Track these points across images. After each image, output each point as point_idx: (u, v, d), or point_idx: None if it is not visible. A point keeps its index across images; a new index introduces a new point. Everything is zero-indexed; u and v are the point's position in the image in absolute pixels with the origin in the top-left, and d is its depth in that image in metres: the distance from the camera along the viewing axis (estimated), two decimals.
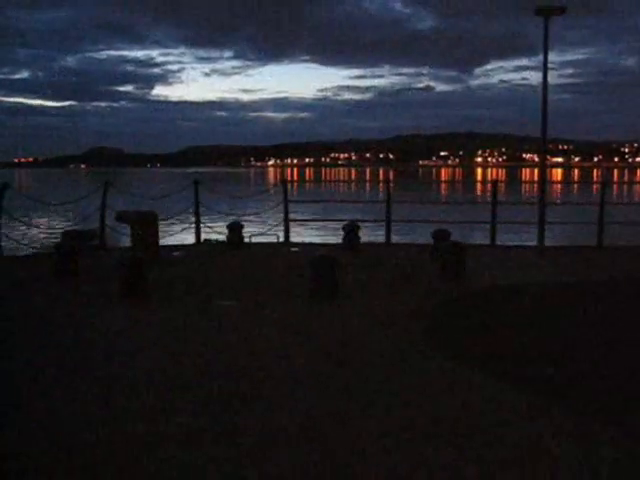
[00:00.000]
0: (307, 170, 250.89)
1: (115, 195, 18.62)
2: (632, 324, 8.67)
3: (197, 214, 18.16)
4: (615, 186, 65.46)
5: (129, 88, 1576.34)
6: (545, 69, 17.18)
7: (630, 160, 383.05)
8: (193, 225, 18.30)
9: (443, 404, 5.76)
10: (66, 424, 5.35)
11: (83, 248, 14.26)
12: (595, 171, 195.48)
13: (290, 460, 4.68)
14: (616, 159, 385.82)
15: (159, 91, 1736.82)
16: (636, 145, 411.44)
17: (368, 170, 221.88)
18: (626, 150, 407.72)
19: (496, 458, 4.70)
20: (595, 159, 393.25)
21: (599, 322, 8.74)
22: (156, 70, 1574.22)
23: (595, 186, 48.22)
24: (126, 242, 16.01)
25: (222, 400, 5.87)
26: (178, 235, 19.45)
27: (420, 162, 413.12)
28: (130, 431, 5.18)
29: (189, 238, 18.62)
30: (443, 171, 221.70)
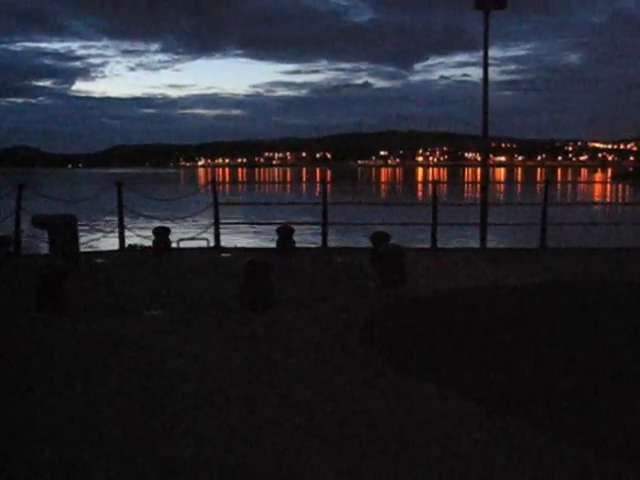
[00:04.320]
0: (240, 171, 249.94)
1: (31, 198, 18.24)
2: (572, 327, 8.84)
3: (121, 218, 17.88)
4: (559, 185, 67.01)
5: (47, 83, 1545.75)
6: (485, 64, 17.49)
7: (573, 159, 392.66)
8: (116, 230, 18.02)
9: (382, 412, 5.79)
10: None
11: None
12: (539, 170, 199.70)
13: None
14: (560, 158, 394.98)
15: (80, 86, 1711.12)
16: (579, 144, 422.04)
17: (304, 170, 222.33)
18: (569, 149, 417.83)
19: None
20: (539, 158, 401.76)
21: (542, 326, 8.89)
22: (77, 64, 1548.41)
23: (539, 186, 49.22)
24: (44, 249, 15.71)
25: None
26: (100, 241, 19.17)
27: (359, 162, 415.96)
28: None
29: (112, 244, 18.35)
30: (383, 171, 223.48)
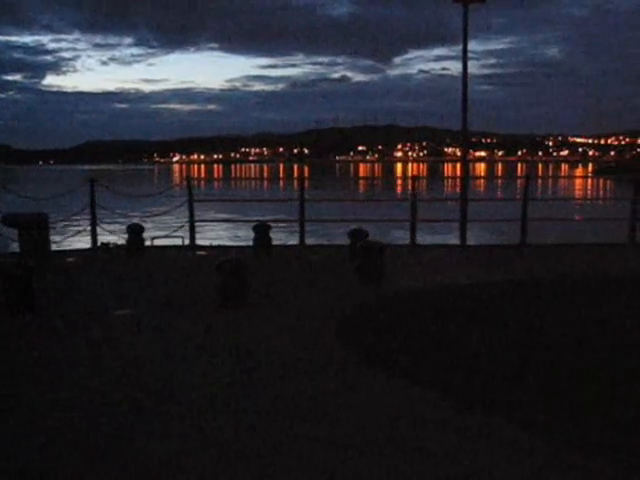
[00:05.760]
0: (215, 167, 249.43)
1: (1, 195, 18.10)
2: (553, 325, 8.88)
3: (93, 216, 17.73)
4: (539, 181, 67.41)
5: (17, 77, 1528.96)
6: (465, 58, 17.53)
7: (554, 154, 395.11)
8: (88, 228, 17.88)
9: (363, 413, 5.78)
10: None
11: None
12: (519, 165, 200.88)
13: None
14: (540, 153, 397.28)
15: (51, 81, 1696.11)
16: (560, 138, 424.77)
17: (281, 166, 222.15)
18: (550, 143, 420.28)
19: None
20: (519, 153, 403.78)
21: (519, 323, 8.92)
22: (47, 58, 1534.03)
23: (519, 181, 49.45)
24: (14, 248, 15.57)
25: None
26: (72, 239, 19.02)
27: (337, 157, 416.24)
28: None
29: (84, 242, 18.21)
30: (361, 167, 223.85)
